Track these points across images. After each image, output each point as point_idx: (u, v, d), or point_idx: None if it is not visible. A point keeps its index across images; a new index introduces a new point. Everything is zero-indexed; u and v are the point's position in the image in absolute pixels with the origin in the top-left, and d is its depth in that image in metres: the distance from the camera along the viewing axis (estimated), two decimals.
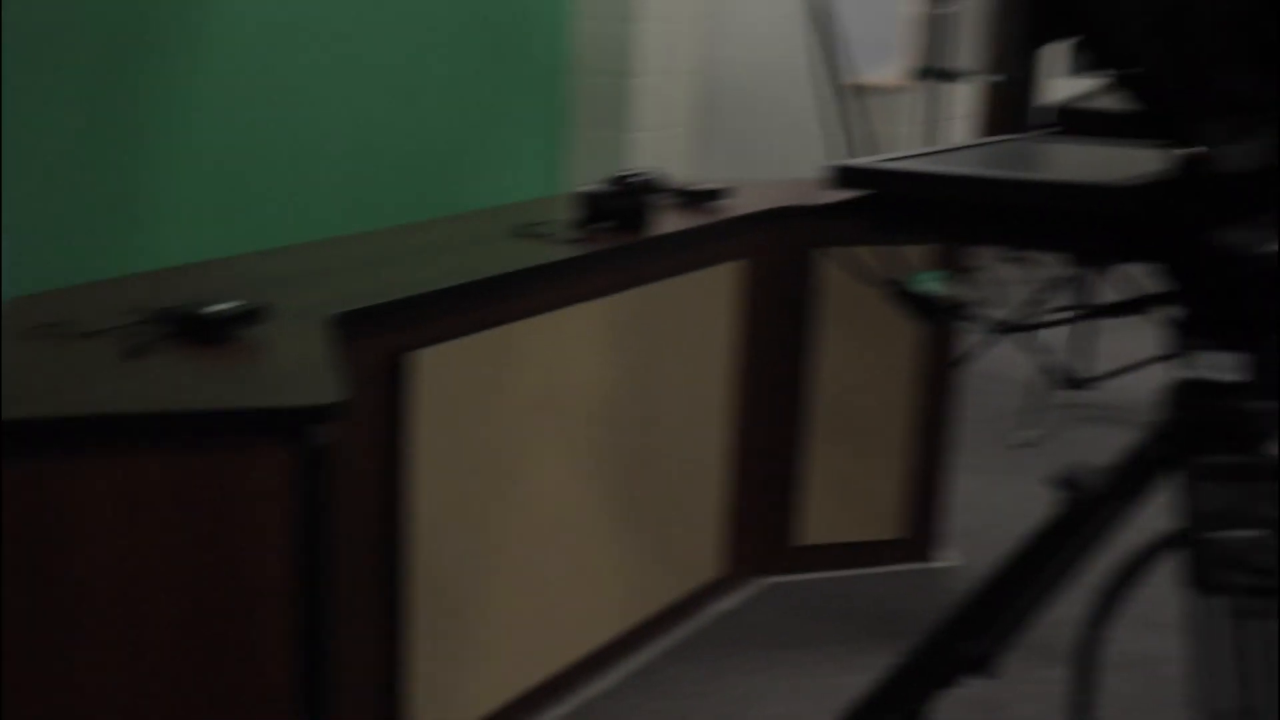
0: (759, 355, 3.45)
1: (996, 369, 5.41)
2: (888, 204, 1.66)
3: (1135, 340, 5.56)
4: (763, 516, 3.60)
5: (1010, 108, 7.87)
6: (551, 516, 2.87)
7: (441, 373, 2.53)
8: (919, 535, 3.78)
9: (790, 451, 3.59)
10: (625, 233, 3.02)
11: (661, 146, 6.13)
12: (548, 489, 2.84)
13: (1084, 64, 1.51)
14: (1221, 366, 1.65)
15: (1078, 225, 1.54)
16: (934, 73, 5.99)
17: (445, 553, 2.62)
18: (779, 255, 3.44)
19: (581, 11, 5.88)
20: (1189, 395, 1.67)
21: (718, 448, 3.37)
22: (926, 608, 3.42)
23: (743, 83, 6.78)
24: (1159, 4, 1.45)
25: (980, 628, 1.92)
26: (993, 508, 4.16)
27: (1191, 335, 1.67)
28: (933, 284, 1.86)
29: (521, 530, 2.79)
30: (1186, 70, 1.45)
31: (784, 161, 6.53)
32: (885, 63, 6.53)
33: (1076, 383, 5.24)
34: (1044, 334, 5.08)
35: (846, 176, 1.65)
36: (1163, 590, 1.60)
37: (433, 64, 4.75)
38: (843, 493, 3.66)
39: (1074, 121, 2.04)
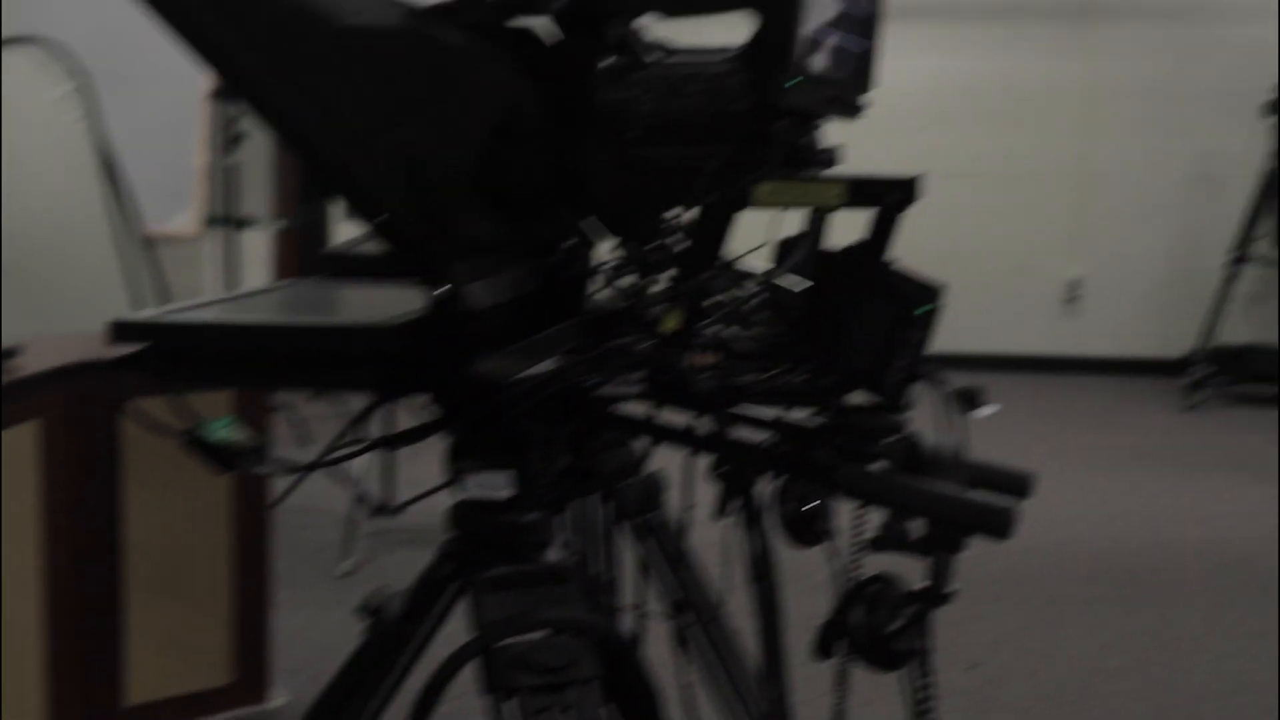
0: (67, 517, 3.35)
1: (312, 503, 5.47)
2: (165, 356, 1.69)
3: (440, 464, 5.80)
4: (86, 682, 3.47)
5: (304, 253, 8.05)
6: None
7: None
8: (249, 678, 3.77)
9: (109, 612, 3.50)
10: None
11: None
12: None
13: (350, 211, 1.60)
14: (495, 485, 1.78)
15: (343, 365, 1.62)
16: (226, 220, 6.05)
17: None
18: (77, 413, 3.37)
19: None
20: (466, 514, 1.79)
21: (31, 617, 3.24)
22: None
23: (36, 237, 6.56)
24: (396, 157, 1.56)
25: None
26: (318, 641, 4.22)
27: (464, 458, 1.80)
28: (223, 431, 1.89)
29: None
30: (426, 218, 1.57)
31: (86, 316, 6.37)
32: (179, 212, 6.52)
33: (386, 510, 5.39)
34: (355, 465, 5.20)
35: (122, 331, 1.67)
36: (471, 700, 1.71)
37: None
38: (169, 646, 3.61)
39: (345, 265, 2.14)
